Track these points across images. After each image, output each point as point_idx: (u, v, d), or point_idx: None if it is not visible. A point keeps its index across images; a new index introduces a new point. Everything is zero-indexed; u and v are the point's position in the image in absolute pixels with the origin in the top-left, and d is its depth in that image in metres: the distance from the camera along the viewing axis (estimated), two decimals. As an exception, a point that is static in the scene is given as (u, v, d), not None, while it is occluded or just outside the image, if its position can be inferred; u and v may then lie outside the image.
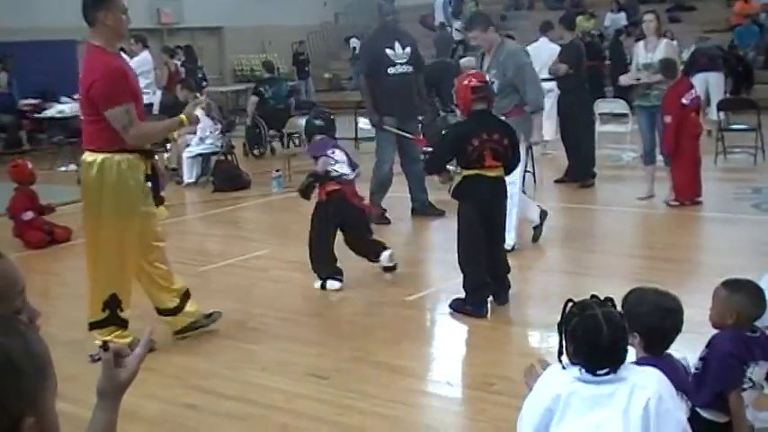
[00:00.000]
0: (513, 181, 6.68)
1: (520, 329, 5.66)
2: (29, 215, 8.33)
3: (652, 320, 3.09)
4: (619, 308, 2.82)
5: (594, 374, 2.66)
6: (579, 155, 10.33)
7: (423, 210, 8.93)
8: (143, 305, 5.41)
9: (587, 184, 10.20)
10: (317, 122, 6.87)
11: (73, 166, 13.16)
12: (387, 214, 8.70)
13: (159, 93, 13.94)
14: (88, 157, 5.04)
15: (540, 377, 2.89)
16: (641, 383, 2.65)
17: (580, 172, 10.29)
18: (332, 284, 6.45)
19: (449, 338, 5.67)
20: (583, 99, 10.54)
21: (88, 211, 5.14)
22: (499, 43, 7.23)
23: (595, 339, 2.63)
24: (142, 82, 13.13)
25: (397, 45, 8.56)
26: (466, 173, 5.73)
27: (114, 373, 1.77)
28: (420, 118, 9.70)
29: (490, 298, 5.82)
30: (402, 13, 23.90)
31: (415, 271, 7.06)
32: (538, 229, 7.59)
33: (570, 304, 2.75)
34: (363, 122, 11.93)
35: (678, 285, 4.77)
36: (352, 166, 6.61)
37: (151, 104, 13.48)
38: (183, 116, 5.26)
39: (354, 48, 20.86)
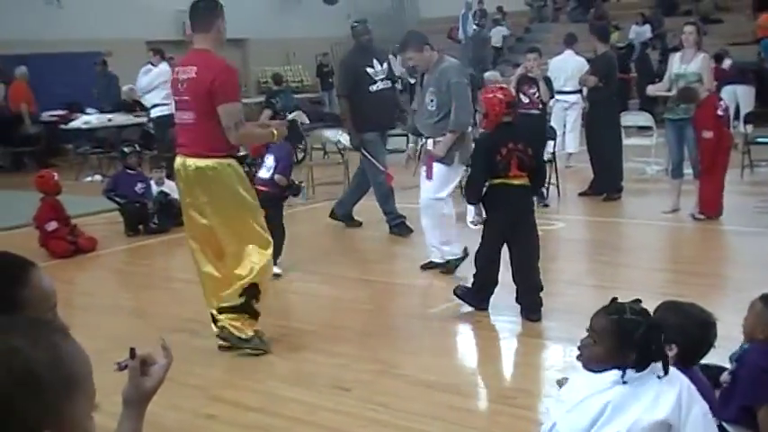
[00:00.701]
0: (443, 197, 6.93)
1: (543, 343, 5.62)
2: (52, 225, 8.39)
3: (696, 333, 3.07)
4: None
5: (639, 371, 2.72)
6: (606, 167, 10.24)
7: (344, 217, 9.14)
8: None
9: (614, 198, 10.12)
10: None
11: (98, 177, 13.28)
12: (407, 223, 8.69)
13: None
14: (198, 162, 5.11)
15: (568, 390, 2.88)
16: (667, 379, 2.73)
17: (607, 185, 10.21)
18: None
19: (471, 351, 5.64)
20: (612, 112, 10.45)
21: (227, 205, 5.17)
22: (436, 61, 7.06)
23: (659, 344, 2.74)
24: (160, 93, 13.36)
25: (375, 63, 8.73)
26: (491, 182, 5.83)
27: (141, 381, 1.77)
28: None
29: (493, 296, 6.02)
30: (429, 25, 24.07)
31: (438, 284, 7.03)
32: (450, 264, 7.14)
33: (622, 307, 2.79)
34: (344, 138, 11.87)
35: (704, 299, 4.70)
36: (276, 169, 7.09)
37: (171, 115, 13.60)
38: (275, 131, 5.45)
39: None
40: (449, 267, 7.09)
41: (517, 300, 5.92)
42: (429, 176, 6.99)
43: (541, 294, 5.89)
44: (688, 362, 3.10)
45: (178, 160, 5.28)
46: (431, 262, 7.25)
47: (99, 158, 14.26)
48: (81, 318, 6.26)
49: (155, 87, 13.33)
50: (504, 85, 6.79)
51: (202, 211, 5.23)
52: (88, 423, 1.16)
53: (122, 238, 9.19)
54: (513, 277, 5.92)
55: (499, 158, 5.73)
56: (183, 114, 5.25)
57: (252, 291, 5.26)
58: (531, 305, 5.86)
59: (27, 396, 1.04)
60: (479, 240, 6.05)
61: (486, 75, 12.30)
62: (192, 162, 5.13)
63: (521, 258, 5.88)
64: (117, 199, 9.47)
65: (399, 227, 8.68)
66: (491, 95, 5.94)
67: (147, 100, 13.57)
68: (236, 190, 5.17)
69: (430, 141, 7.00)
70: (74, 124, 15.01)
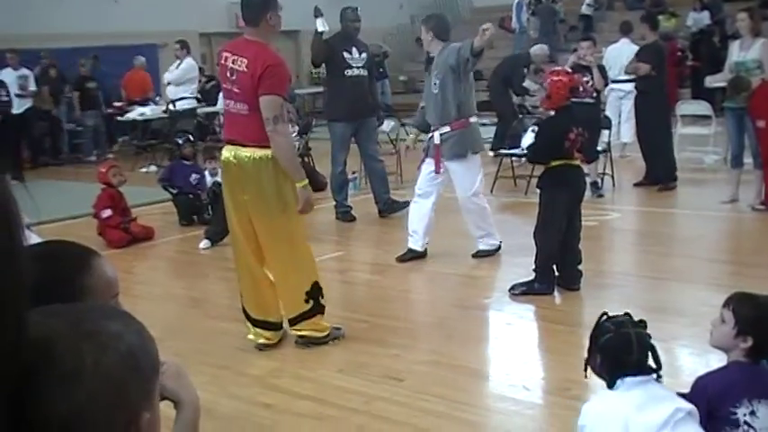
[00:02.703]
0: (477, 191, 7.11)
1: (598, 334, 5.56)
2: (107, 213, 8.52)
3: None
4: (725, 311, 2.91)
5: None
6: (659, 157, 10.07)
7: (388, 208, 9.14)
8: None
9: (669, 188, 9.95)
10: None
11: (153, 168, 13.45)
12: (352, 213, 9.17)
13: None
14: (256, 152, 4.97)
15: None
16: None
17: (662, 174, 10.04)
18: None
19: (525, 342, 5.60)
20: (662, 101, 10.25)
21: (271, 206, 5.04)
22: (441, 49, 7.13)
23: (625, 358, 2.81)
24: (187, 89, 13.43)
25: (354, 50, 8.86)
26: (554, 163, 6.09)
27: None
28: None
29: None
30: (481, 14, 23.94)
31: (493, 273, 7.00)
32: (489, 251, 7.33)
33: (604, 318, 2.91)
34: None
35: (761, 291, 4.61)
36: None
37: (194, 109, 13.80)
38: (305, 182, 5.12)
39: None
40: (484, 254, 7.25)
41: (558, 271, 6.20)
42: (437, 171, 7.07)
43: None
44: (760, 355, 3.00)
45: (226, 153, 5.14)
46: (480, 251, 7.31)
47: (154, 149, 14.44)
48: (138, 306, 6.35)
49: (185, 81, 13.49)
50: (569, 69, 6.85)
51: (256, 207, 5.08)
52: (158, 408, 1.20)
53: (177, 228, 9.29)
54: None
55: (568, 144, 5.99)
56: (233, 104, 5.09)
57: (315, 290, 5.25)
58: (574, 276, 6.21)
59: (133, 378, 1.08)
60: (541, 223, 6.19)
61: (534, 49, 12.13)
62: (249, 152, 4.99)
63: (570, 234, 6.17)
64: (170, 189, 9.58)
65: (344, 214, 9.05)
66: (557, 78, 6.14)
67: (173, 93, 13.69)
68: (289, 183, 5.05)
69: (436, 134, 7.02)
70: (130, 116, 15.21)
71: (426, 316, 6.12)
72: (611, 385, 2.85)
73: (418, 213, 7.29)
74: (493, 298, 6.31)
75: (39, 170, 14.33)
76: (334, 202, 9.30)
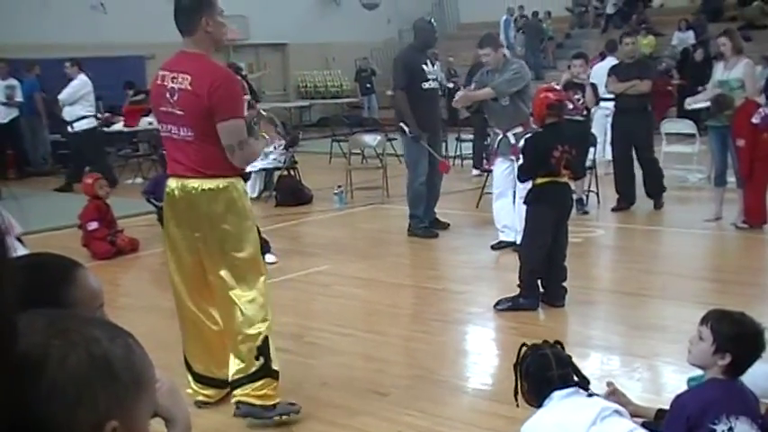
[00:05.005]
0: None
1: (583, 351, 5.56)
2: (93, 225, 8.51)
3: (751, 343, 2.99)
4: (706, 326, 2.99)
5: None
6: (650, 176, 10.05)
7: (430, 226, 9.10)
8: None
9: (660, 205, 9.99)
10: None
11: (139, 179, 13.41)
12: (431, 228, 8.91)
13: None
14: (205, 183, 4.27)
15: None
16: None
17: (655, 191, 10.03)
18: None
19: (509, 357, 5.59)
20: (651, 120, 10.29)
21: (227, 243, 4.34)
22: (505, 62, 7.97)
23: (547, 375, 3.14)
24: (85, 105, 13.07)
25: (428, 62, 8.90)
26: (540, 180, 6.16)
27: None
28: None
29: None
30: (468, 30, 24.08)
31: (477, 288, 7.01)
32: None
33: (524, 348, 3.28)
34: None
35: (745, 308, 4.64)
36: None
37: (95, 128, 13.32)
38: (264, 134, 4.88)
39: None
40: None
41: (543, 287, 6.23)
42: (490, 167, 7.90)
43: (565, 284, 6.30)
44: (737, 372, 3.02)
45: (172, 184, 4.38)
46: (501, 242, 7.95)
47: (139, 161, 14.41)
48: (122, 318, 6.30)
49: (78, 99, 12.94)
50: (557, 87, 6.99)
51: (209, 246, 4.38)
52: (147, 426, 1.20)
53: (162, 239, 9.26)
54: None
55: (553, 160, 6.05)
56: (175, 129, 4.31)
57: (266, 346, 4.40)
58: (558, 292, 6.25)
59: (102, 382, 1.08)
60: (526, 238, 6.31)
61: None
62: (197, 183, 4.28)
63: (556, 250, 6.21)
64: (154, 202, 9.55)
65: (423, 230, 8.78)
66: (542, 95, 6.29)
67: (69, 113, 13.01)
68: (248, 215, 4.41)
69: (510, 135, 7.82)
70: (116, 127, 15.17)
71: (411, 330, 6.13)
72: (540, 404, 3.07)
73: (504, 209, 7.95)
74: (477, 313, 6.32)
75: (25, 180, 14.27)
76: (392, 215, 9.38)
